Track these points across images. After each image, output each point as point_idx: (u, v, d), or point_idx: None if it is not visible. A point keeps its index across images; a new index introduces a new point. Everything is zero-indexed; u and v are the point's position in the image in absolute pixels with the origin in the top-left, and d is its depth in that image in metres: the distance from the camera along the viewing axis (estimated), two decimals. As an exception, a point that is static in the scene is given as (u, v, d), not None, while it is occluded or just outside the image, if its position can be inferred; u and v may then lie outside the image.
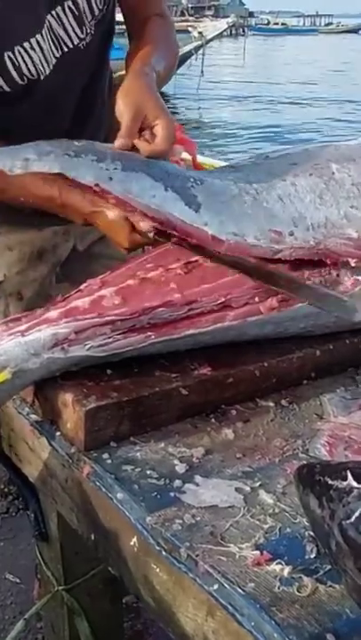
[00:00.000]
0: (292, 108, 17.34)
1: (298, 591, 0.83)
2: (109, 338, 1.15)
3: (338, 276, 1.27)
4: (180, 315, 1.19)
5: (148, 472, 1.05)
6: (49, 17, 1.44)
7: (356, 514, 0.74)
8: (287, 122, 14.92)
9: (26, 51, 1.42)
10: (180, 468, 1.06)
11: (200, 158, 5.05)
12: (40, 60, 1.44)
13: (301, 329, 1.29)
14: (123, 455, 1.09)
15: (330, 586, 0.83)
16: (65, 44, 1.48)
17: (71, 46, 1.49)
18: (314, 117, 15.53)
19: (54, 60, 1.47)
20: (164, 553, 0.93)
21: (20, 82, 1.44)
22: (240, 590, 0.83)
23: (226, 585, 0.85)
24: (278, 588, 0.84)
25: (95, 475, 1.07)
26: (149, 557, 0.96)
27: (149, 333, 1.18)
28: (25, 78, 1.44)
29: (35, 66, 1.44)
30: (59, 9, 1.44)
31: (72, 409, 1.11)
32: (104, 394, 1.13)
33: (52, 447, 1.17)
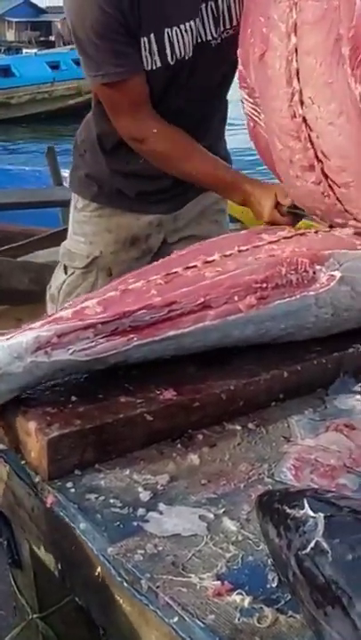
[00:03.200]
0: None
1: (258, 622, 0.82)
2: (92, 342, 1.16)
3: (314, 273, 1.29)
4: (161, 316, 1.20)
5: (112, 501, 1.04)
6: (202, 6, 1.67)
7: (312, 544, 0.73)
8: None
9: (181, 32, 1.65)
10: (145, 495, 1.04)
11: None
12: (188, 43, 1.67)
13: (282, 330, 1.30)
14: (87, 483, 1.08)
15: (290, 616, 0.82)
16: (200, 35, 1.68)
17: (207, 39, 1.69)
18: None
19: (192, 48, 1.68)
20: (125, 584, 0.91)
21: (171, 62, 1.67)
22: (200, 623, 0.82)
23: (186, 617, 0.83)
24: (238, 619, 0.82)
25: (59, 504, 1.05)
26: (113, 588, 0.95)
27: (132, 336, 1.18)
28: (174, 58, 1.66)
29: (184, 47, 1.66)
30: (204, 5, 1.66)
31: (35, 438, 1.10)
32: (67, 421, 1.11)
33: (17, 476, 1.15)
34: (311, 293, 1.27)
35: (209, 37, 1.71)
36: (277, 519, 0.81)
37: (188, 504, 1.03)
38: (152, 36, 1.63)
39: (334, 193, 1.45)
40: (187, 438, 1.18)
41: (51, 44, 38.51)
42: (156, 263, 1.39)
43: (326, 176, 1.43)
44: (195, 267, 1.28)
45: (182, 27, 1.66)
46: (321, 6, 1.30)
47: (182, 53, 1.68)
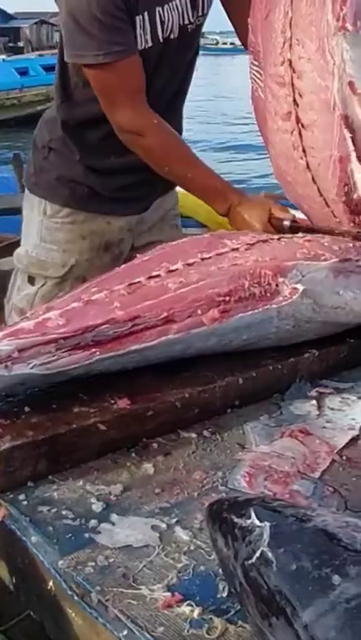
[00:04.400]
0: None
1: (207, 633, 0.81)
2: (54, 356, 1.14)
3: (277, 286, 1.29)
4: (124, 331, 1.19)
5: (64, 512, 1.02)
6: None
7: (257, 554, 0.73)
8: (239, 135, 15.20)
9: (170, 10, 1.70)
10: (97, 506, 1.03)
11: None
12: (175, 22, 1.72)
13: (244, 341, 1.30)
14: (40, 495, 1.06)
15: (240, 626, 0.81)
16: (182, 17, 1.74)
17: (186, 22, 1.75)
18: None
19: (178, 28, 1.73)
20: (76, 598, 0.90)
21: (160, 40, 1.70)
22: (149, 636, 0.81)
23: (135, 630, 0.82)
24: (188, 630, 0.81)
25: (11, 517, 1.03)
26: (65, 602, 0.93)
27: (94, 350, 1.17)
28: (164, 36, 1.70)
29: (172, 24, 1.71)
30: None
31: (-14, 450, 1.08)
32: (20, 433, 1.10)
33: (-30, 489, 1.13)
34: (274, 306, 1.26)
35: (186, 22, 1.75)
36: (225, 528, 0.80)
37: (140, 514, 1.02)
38: (146, 14, 1.66)
39: (302, 142, 1.55)
40: (141, 447, 1.17)
41: (19, 50, 38.26)
42: (119, 269, 1.36)
43: (298, 120, 1.54)
44: (158, 276, 1.26)
45: (171, 4, 1.70)
46: None
47: (171, 32, 1.71)
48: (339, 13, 1.41)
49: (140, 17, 1.65)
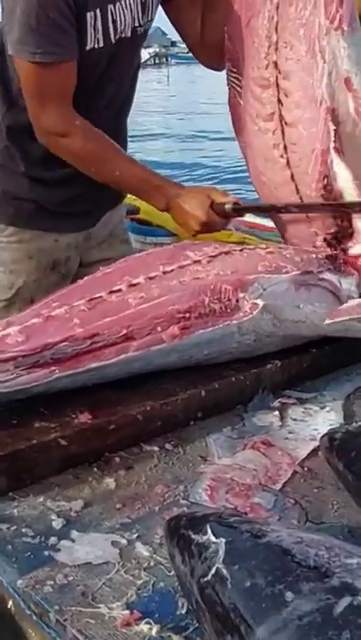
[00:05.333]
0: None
1: (165, 651, 0.80)
2: (12, 374, 1.13)
3: (237, 301, 1.28)
4: (83, 348, 1.18)
5: (24, 530, 1.01)
6: None
7: (213, 571, 0.72)
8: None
9: (122, 9, 1.65)
10: (57, 523, 1.02)
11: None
12: (128, 23, 1.68)
13: (205, 356, 1.30)
14: (-1, 513, 1.05)
15: (198, 643, 0.81)
16: (134, 19, 1.69)
17: (137, 24, 1.70)
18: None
19: (130, 28, 1.69)
20: (34, 617, 0.89)
21: (113, 40, 1.65)
22: (106, 655, 0.80)
23: (93, 650, 0.81)
24: (146, 649, 0.81)
25: (-30, 536, 1.02)
26: (24, 622, 0.92)
27: (53, 368, 1.17)
28: (116, 35, 1.66)
29: (125, 24, 1.67)
30: None
31: None
32: (-22, 449, 1.08)
33: None
34: (234, 322, 1.26)
35: (137, 23, 1.72)
36: (183, 545, 0.80)
37: (101, 530, 1.01)
38: (98, 10, 1.61)
39: (283, 139, 1.60)
40: (103, 462, 1.16)
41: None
42: (81, 282, 1.35)
43: (281, 119, 1.60)
44: (119, 291, 1.26)
45: (124, 2, 1.66)
46: None
47: (123, 32, 1.67)
48: (334, 15, 1.49)
49: (92, 13, 1.60)
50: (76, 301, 1.23)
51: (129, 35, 1.70)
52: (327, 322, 1.30)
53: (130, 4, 1.68)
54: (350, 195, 1.52)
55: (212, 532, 0.76)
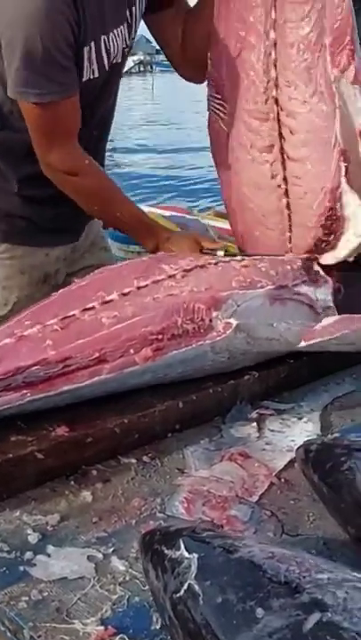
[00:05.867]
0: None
1: (139, 667, 0.80)
2: None
3: (211, 321, 1.28)
4: (56, 372, 1.18)
5: (0, 545, 1.01)
6: (127, 13, 1.71)
7: (185, 587, 0.72)
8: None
9: (115, 37, 1.68)
10: (33, 537, 1.02)
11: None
12: (120, 48, 1.71)
13: (180, 374, 1.30)
14: (-25, 528, 1.04)
15: (172, 658, 0.81)
16: (124, 42, 1.73)
17: (125, 46, 1.73)
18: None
19: (121, 53, 1.72)
20: (9, 634, 0.88)
21: (107, 68, 1.68)
22: (80, 672, 0.80)
23: (67, 667, 0.81)
24: (119, 665, 0.81)
25: None
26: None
27: (25, 391, 1.16)
28: (109, 64, 1.68)
29: (117, 50, 1.69)
30: (128, 13, 1.71)
31: None
32: None
33: None
34: (207, 342, 1.26)
35: (125, 45, 1.74)
36: (156, 560, 0.80)
37: (77, 544, 1.01)
38: (92, 44, 1.63)
39: (284, 172, 1.65)
40: (80, 475, 1.16)
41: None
42: (56, 296, 1.34)
43: (283, 153, 1.64)
44: (93, 308, 1.25)
45: (115, 31, 1.68)
46: (304, 7, 1.53)
47: (115, 58, 1.70)
48: (346, 66, 1.50)
49: (88, 47, 1.62)
50: (50, 320, 1.22)
51: (120, 60, 1.73)
52: (302, 344, 1.30)
53: (120, 32, 1.70)
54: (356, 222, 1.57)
55: (185, 548, 0.76)
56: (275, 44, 1.57)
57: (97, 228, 2.02)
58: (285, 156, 1.63)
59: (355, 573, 0.70)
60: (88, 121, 1.72)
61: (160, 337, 1.23)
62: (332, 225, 1.60)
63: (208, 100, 1.75)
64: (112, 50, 1.69)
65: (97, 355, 1.19)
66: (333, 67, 1.50)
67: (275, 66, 1.59)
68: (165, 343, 1.23)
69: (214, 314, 1.26)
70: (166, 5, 1.81)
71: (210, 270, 1.34)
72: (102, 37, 1.65)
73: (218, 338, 1.26)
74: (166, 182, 11.85)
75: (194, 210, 5.17)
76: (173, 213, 4.37)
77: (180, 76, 1.91)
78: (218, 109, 1.72)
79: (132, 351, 1.21)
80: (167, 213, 4.31)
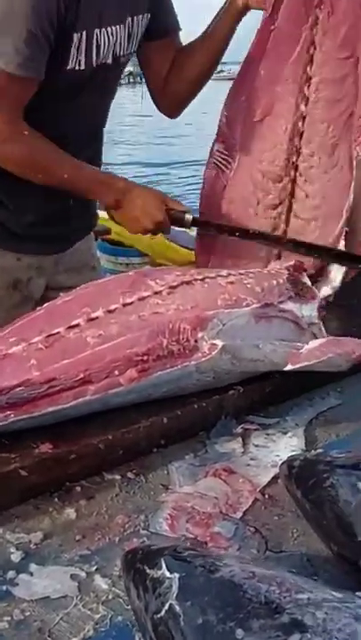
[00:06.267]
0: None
1: None
2: None
3: (196, 342, 1.28)
4: (40, 393, 1.18)
5: (-18, 564, 1.00)
6: (128, 18, 1.72)
7: (166, 607, 0.72)
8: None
9: (107, 35, 1.67)
10: (16, 556, 1.01)
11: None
12: (111, 48, 1.70)
13: (165, 393, 1.29)
14: None
15: None
16: (118, 46, 1.73)
17: (120, 54, 1.74)
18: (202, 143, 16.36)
19: (112, 55, 1.71)
20: (-10, 655, 0.88)
21: (94, 64, 1.67)
22: None
23: None
24: None
25: None
26: (-20, 659, 0.91)
27: (9, 412, 1.16)
28: (97, 62, 1.67)
29: (107, 49, 1.69)
30: (129, 19, 1.73)
31: None
32: None
33: None
34: (193, 363, 1.26)
35: (120, 52, 1.74)
36: (138, 579, 0.80)
37: (60, 563, 1.00)
38: (84, 33, 1.63)
39: (287, 225, 1.77)
40: (65, 491, 1.16)
41: None
42: (41, 311, 1.33)
43: (290, 211, 1.76)
44: (78, 326, 1.25)
45: (110, 29, 1.69)
46: (339, 88, 1.66)
47: (105, 58, 1.70)
48: None
49: (79, 35, 1.62)
50: (35, 337, 1.22)
51: (110, 62, 1.72)
52: (288, 368, 1.30)
53: (116, 32, 1.70)
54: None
55: (167, 567, 0.76)
56: (303, 118, 1.69)
57: (87, 247, 2.01)
58: (292, 215, 1.76)
59: (335, 593, 0.70)
60: (74, 116, 1.72)
61: (145, 358, 1.22)
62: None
63: (213, 153, 1.79)
64: (102, 46, 1.68)
65: (81, 376, 1.19)
66: (357, 145, 1.65)
67: (300, 136, 1.71)
68: (150, 364, 1.23)
69: (200, 334, 1.26)
70: (159, 36, 1.84)
71: (196, 287, 1.34)
72: (95, 30, 1.65)
73: (203, 359, 1.26)
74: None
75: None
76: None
77: (157, 107, 1.95)
78: (221, 163, 1.78)
79: (116, 372, 1.21)
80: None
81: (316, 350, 1.30)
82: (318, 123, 1.68)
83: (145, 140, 20.46)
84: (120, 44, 1.73)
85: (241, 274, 1.44)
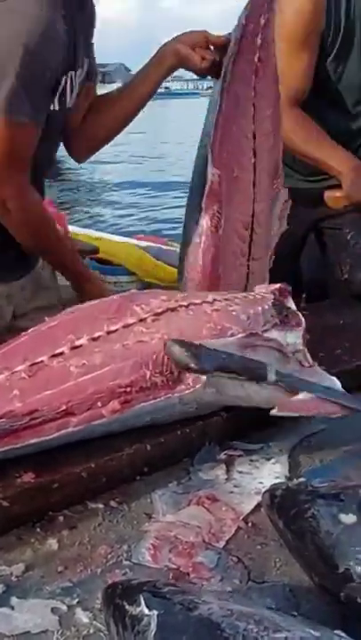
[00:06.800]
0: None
1: None
2: None
3: (179, 374, 1.28)
4: (22, 424, 1.18)
5: None
6: (86, 60, 1.80)
7: (144, 645, 0.72)
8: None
9: (75, 78, 1.73)
10: (-3, 589, 1.00)
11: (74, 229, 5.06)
12: (76, 90, 1.76)
13: (148, 422, 1.29)
14: None
15: None
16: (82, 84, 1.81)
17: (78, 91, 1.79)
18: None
19: (76, 96, 1.77)
20: None
21: (67, 104, 1.74)
22: None
23: None
24: None
25: None
26: None
27: None
28: (70, 101, 1.75)
29: (73, 93, 1.74)
30: (87, 60, 1.81)
31: None
32: None
33: None
34: (176, 395, 1.26)
35: (79, 91, 1.79)
36: (117, 615, 0.79)
37: (42, 596, 1.00)
38: (66, 76, 1.68)
39: (248, 269, 1.90)
40: (47, 521, 1.15)
41: None
42: (24, 339, 1.32)
43: (250, 253, 1.89)
44: (62, 354, 1.25)
45: (79, 72, 1.75)
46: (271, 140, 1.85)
47: (73, 97, 1.75)
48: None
49: (64, 78, 1.67)
50: (18, 365, 1.22)
51: (71, 105, 1.77)
52: (273, 412, 1.29)
53: (81, 74, 1.77)
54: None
55: (145, 604, 0.75)
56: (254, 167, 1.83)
57: (44, 268, 2.04)
58: (252, 258, 1.90)
59: (313, 632, 0.70)
60: (42, 159, 1.75)
61: (128, 390, 1.22)
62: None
63: (210, 213, 1.82)
64: (75, 87, 1.73)
65: (64, 407, 1.19)
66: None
67: (254, 185, 1.84)
68: (133, 396, 1.23)
69: None
70: (86, 79, 1.87)
71: (180, 314, 1.33)
72: (70, 73, 1.69)
73: (187, 392, 1.26)
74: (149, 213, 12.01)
75: (170, 242, 5.22)
76: (150, 244, 4.40)
77: (67, 149, 1.98)
78: (215, 220, 1.82)
79: (99, 404, 1.21)
80: (144, 244, 4.34)
81: (303, 405, 1.30)
82: (262, 172, 1.83)
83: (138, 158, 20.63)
84: (82, 80, 1.80)
85: (227, 299, 1.43)
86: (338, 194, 2.24)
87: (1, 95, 1.56)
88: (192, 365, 1.22)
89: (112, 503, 1.20)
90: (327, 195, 2.26)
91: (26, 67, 1.54)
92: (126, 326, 1.29)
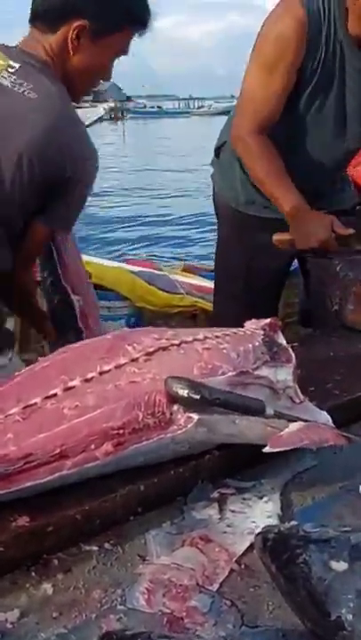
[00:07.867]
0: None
1: None
2: None
3: (171, 414, 1.29)
4: (16, 468, 1.18)
5: None
6: None
7: None
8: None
9: None
10: (-8, 637, 1.01)
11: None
12: None
13: (141, 462, 1.30)
14: None
15: None
16: None
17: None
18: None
19: None
20: None
21: None
22: None
23: None
24: None
25: None
26: None
27: None
28: None
29: None
30: None
31: None
32: None
33: None
34: (168, 435, 1.27)
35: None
36: (111, 669, 0.80)
37: (36, 643, 1.00)
38: None
39: None
40: (42, 565, 1.16)
41: None
42: (19, 379, 1.34)
43: None
44: (55, 396, 1.26)
45: None
46: None
47: None
48: None
49: None
50: (12, 407, 1.23)
51: None
52: (267, 449, 1.30)
53: None
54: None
55: (138, 658, 0.76)
56: None
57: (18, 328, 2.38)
58: None
59: None
60: None
61: (121, 432, 1.24)
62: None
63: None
64: None
65: (58, 450, 1.20)
66: None
67: None
68: (126, 437, 1.24)
69: (175, 407, 1.27)
70: None
71: (172, 354, 1.34)
72: None
73: (179, 432, 1.27)
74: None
75: (163, 266, 5.25)
76: (142, 269, 4.43)
77: None
78: None
79: (92, 446, 1.22)
80: (136, 269, 4.36)
81: (295, 436, 1.31)
82: None
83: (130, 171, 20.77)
84: None
85: (217, 336, 1.45)
86: (286, 236, 2.29)
87: (56, 213, 2.02)
88: (195, 397, 1.24)
89: (106, 545, 1.20)
90: (275, 237, 2.31)
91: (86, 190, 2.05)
92: (118, 366, 1.31)
